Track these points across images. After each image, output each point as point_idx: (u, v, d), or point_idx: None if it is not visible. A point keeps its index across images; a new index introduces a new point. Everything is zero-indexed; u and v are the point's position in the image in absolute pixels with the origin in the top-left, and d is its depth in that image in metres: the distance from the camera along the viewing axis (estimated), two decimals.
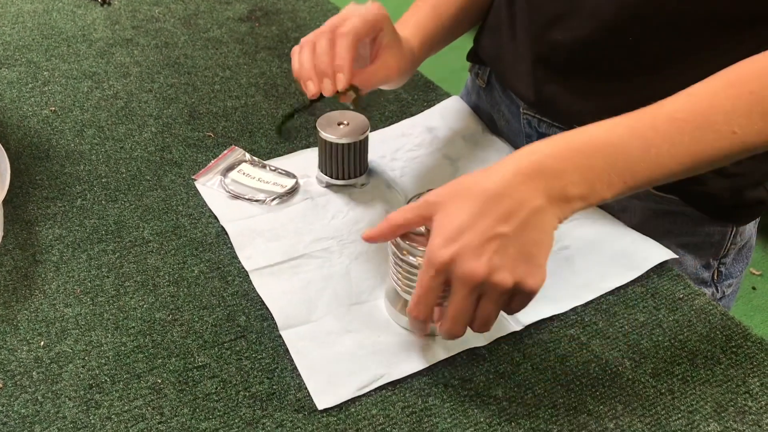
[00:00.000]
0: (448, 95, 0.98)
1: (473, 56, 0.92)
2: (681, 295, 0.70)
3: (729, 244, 0.83)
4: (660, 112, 0.58)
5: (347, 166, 0.81)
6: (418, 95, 0.99)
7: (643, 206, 0.80)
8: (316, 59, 0.70)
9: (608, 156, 0.57)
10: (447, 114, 0.93)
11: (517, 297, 0.57)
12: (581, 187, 0.56)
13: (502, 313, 0.67)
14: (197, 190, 0.83)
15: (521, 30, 0.80)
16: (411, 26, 0.80)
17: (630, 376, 0.63)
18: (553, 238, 0.57)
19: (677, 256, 0.73)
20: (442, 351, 0.64)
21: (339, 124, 0.80)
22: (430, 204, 0.58)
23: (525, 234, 0.55)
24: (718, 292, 0.86)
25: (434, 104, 0.96)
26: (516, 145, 0.89)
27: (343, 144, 0.79)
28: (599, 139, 0.57)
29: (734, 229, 0.82)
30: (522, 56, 0.80)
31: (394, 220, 0.60)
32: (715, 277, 0.85)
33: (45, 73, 1.02)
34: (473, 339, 0.65)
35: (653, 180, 0.59)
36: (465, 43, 0.94)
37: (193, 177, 0.84)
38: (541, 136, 0.84)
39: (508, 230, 0.55)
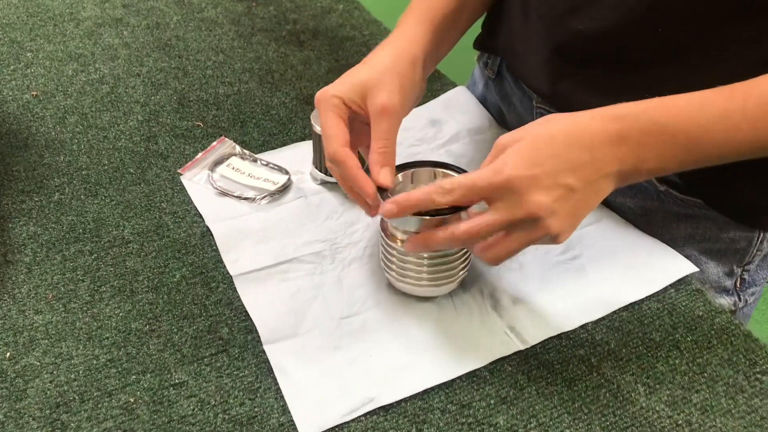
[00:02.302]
0: (453, 85, 0.92)
1: (481, 44, 0.86)
2: (700, 313, 0.65)
3: (755, 251, 0.77)
4: (752, 93, 0.57)
5: None
6: None
7: (664, 209, 0.74)
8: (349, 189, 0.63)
9: (691, 138, 0.56)
10: (452, 106, 0.87)
11: (540, 242, 0.56)
12: (654, 164, 0.56)
13: (505, 330, 0.62)
14: (183, 186, 0.77)
15: (536, 17, 0.74)
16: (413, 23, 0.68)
17: (644, 404, 0.58)
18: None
19: (698, 269, 0.68)
20: (440, 373, 0.59)
21: None
22: (501, 145, 0.55)
23: (587, 194, 0.55)
24: (740, 300, 0.80)
25: (439, 94, 0.90)
26: None
27: None
28: (688, 117, 0.56)
29: (761, 234, 0.76)
30: (536, 46, 0.74)
31: (470, 182, 0.54)
32: (738, 285, 0.79)
33: (28, 54, 0.97)
34: (472, 360, 0.60)
35: (722, 160, 0.58)
36: (472, 29, 0.87)
37: (179, 171, 0.79)
38: None
39: (578, 185, 0.54)
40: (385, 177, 0.59)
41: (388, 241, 0.62)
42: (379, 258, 0.65)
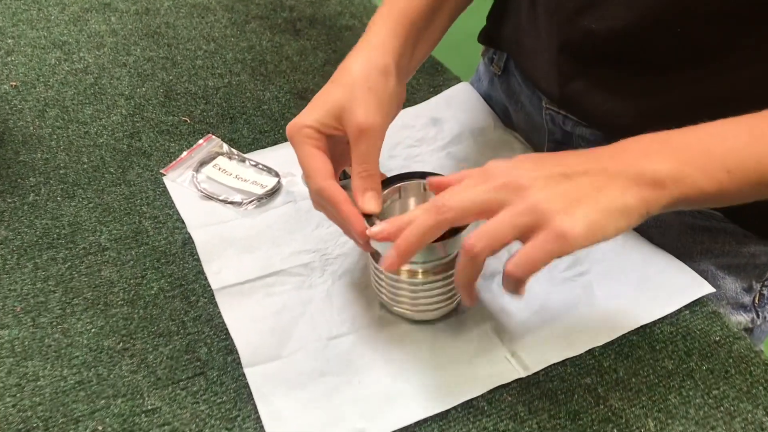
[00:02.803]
0: (457, 80, 0.87)
1: (485, 38, 0.80)
2: (717, 338, 0.60)
3: None
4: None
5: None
6: (424, 79, 0.87)
7: (680, 221, 0.69)
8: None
9: (704, 140, 0.49)
10: (455, 103, 0.82)
11: (540, 235, 0.46)
12: (669, 165, 0.48)
13: (506, 355, 0.58)
14: (165, 188, 0.73)
15: (544, 13, 0.68)
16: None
17: None
18: (624, 219, 0.48)
19: (715, 290, 0.63)
20: (434, 403, 0.54)
21: None
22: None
23: (583, 183, 0.47)
24: (758, 317, 0.75)
25: (441, 90, 0.85)
26: (535, 144, 0.78)
27: None
28: (695, 129, 0.50)
29: None
30: (545, 44, 0.68)
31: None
32: (757, 301, 0.74)
33: (9, 40, 0.92)
34: (469, 388, 0.55)
35: (765, 171, 0.49)
36: (478, 19, 0.82)
37: (161, 171, 0.74)
38: (566, 135, 0.73)
39: (571, 173, 0.48)
40: (370, 204, 0.54)
41: (378, 265, 0.57)
42: (371, 278, 0.61)
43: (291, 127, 0.56)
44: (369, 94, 0.55)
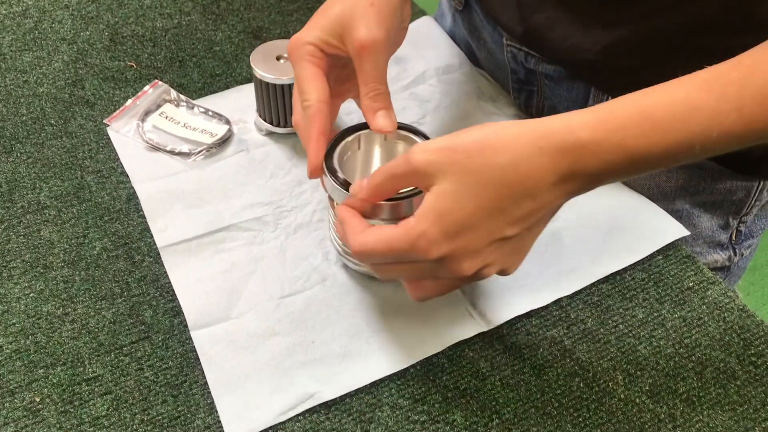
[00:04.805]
0: (423, 14, 0.81)
1: None
2: (691, 284, 0.57)
3: (753, 201, 0.69)
4: (749, 84, 0.43)
5: (291, 111, 0.66)
6: None
7: None
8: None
9: (670, 155, 0.43)
10: (418, 40, 0.76)
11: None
12: (612, 180, 0.46)
13: (467, 307, 0.55)
14: (110, 139, 0.68)
15: None
16: None
17: (623, 396, 0.51)
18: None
19: (689, 233, 0.60)
20: (391, 362, 0.52)
21: (278, 59, 0.65)
22: (421, 174, 0.44)
23: (532, 233, 0.46)
24: (735, 254, 0.73)
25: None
26: (500, 81, 0.73)
27: (284, 85, 0.64)
28: (667, 134, 0.43)
29: (761, 183, 0.68)
30: None
31: (379, 188, 0.47)
32: (734, 238, 0.72)
33: None
34: (429, 345, 0.52)
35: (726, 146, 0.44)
36: None
37: (105, 121, 0.70)
38: (530, 73, 0.68)
39: (518, 232, 0.45)
40: (383, 122, 0.51)
41: (335, 218, 0.53)
42: (328, 232, 0.57)
43: (292, 41, 0.53)
44: (371, 9, 0.51)
